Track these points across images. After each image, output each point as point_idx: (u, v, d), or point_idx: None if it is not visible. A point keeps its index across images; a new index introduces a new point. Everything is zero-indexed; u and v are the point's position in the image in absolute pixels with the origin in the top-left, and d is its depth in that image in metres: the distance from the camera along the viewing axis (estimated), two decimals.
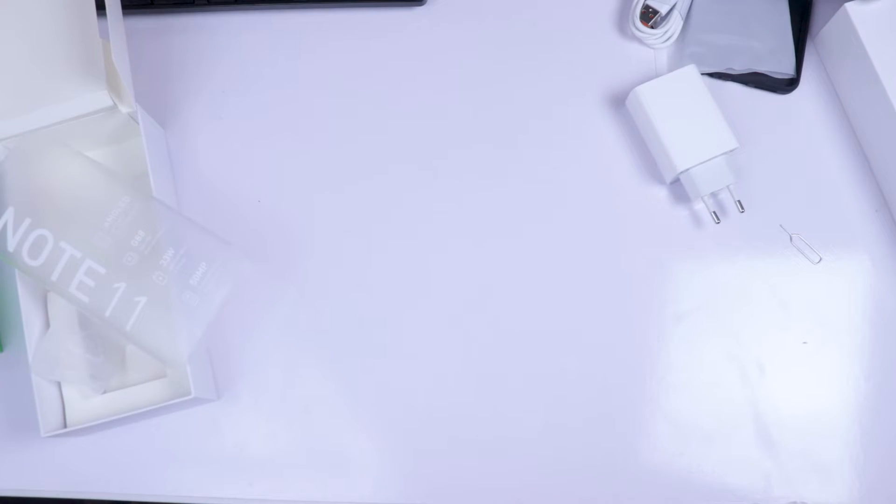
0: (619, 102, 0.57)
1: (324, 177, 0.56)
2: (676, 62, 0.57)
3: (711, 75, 0.56)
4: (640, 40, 0.57)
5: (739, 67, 0.56)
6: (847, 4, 0.52)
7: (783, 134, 0.56)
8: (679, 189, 0.55)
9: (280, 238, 0.55)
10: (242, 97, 0.58)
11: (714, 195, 0.54)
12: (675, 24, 0.56)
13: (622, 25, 0.58)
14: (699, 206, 0.55)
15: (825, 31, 0.56)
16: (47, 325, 0.52)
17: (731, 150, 0.52)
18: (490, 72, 0.58)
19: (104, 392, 0.51)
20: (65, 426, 0.50)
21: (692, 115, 0.53)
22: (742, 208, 0.53)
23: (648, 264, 0.54)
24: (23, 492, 0.52)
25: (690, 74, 0.53)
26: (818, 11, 0.57)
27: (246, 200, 0.56)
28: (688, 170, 0.52)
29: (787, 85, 0.56)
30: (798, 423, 0.51)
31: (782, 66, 0.56)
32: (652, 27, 0.56)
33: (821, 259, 0.54)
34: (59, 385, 0.51)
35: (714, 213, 0.53)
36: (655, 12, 0.56)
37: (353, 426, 0.52)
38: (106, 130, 0.53)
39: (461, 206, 0.55)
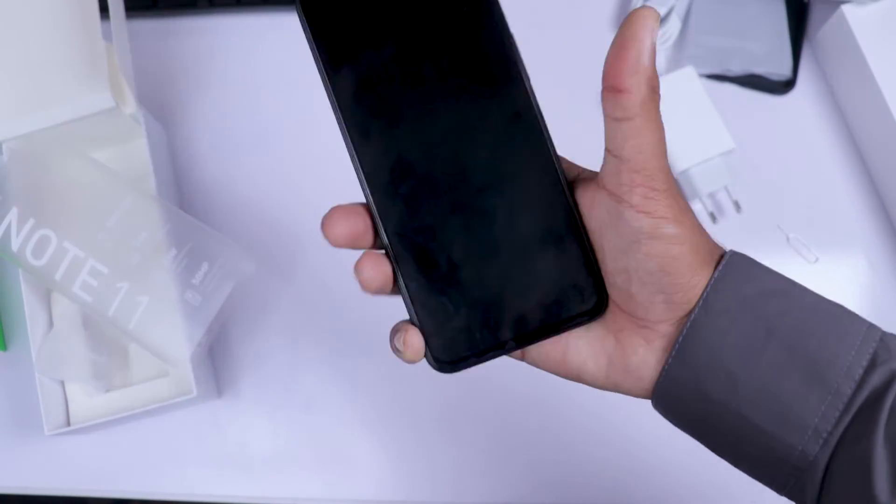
0: None
1: (325, 176, 0.56)
2: (674, 64, 0.58)
3: (709, 77, 0.57)
4: None
5: (737, 69, 0.56)
6: (843, 6, 0.52)
7: (780, 135, 0.56)
8: None
9: (281, 237, 0.56)
10: (244, 98, 0.58)
11: (712, 195, 0.54)
12: (673, 26, 0.57)
13: None
14: (697, 207, 0.55)
15: (822, 33, 0.56)
16: (51, 324, 0.52)
17: (728, 151, 0.53)
18: None
19: (107, 391, 0.51)
20: (68, 424, 0.51)
21: (690, 116, 0.53)
22: (739, 208, 0.54)
23: None
24: (26, 490, 0.52)
25: (688, 76, 0.54)
26: (815, 13, 0.58)
27: (248, 200, 0.56)
28: (686, 170, 0.53)
29: (783, 86, 0.57)
30: None
31: (779, 68, 0.56)
32: None
33: (817, 259, 0.54)
34: (62, 384, 0.51)
35: (712, 213, 0.54)
36: None
37: (354, 424, 0.53)
38: (109, 131, 0.53)
39: None
